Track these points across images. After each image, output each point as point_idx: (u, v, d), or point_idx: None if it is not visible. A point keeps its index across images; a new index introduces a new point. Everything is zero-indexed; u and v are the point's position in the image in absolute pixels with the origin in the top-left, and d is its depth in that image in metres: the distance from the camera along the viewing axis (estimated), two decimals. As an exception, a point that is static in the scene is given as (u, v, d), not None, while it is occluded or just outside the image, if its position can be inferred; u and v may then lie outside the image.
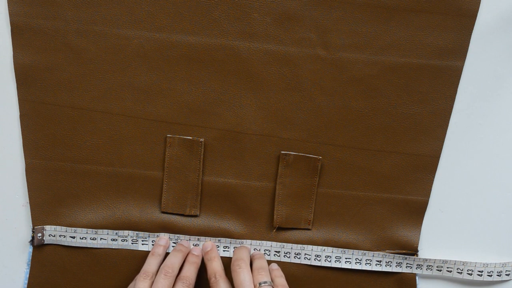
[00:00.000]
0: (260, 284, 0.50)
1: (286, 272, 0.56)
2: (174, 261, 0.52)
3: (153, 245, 0.55)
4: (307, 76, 0.53)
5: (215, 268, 0.52)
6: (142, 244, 0.55)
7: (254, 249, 0.56)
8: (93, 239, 0.55)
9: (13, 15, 0.51)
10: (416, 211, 0.56)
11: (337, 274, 0.56)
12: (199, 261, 0.54)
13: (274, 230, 0.56)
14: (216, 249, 0.55)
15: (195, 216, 0.55)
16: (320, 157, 0.54)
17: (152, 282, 0.50)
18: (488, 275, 0.56)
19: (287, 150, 0.54)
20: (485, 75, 0.54)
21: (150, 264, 0.52)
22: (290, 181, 0.55)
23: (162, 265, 0.52)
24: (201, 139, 0.54)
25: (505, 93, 0.54)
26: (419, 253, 0.57)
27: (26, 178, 0.54)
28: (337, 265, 0.56)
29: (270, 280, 0.51)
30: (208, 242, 0.55)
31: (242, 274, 0.50)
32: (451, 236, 0.57)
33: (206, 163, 0.55)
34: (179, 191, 0.55)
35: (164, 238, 0.55)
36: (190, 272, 0.52)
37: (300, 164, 0.54)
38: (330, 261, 0.56)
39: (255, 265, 0.53)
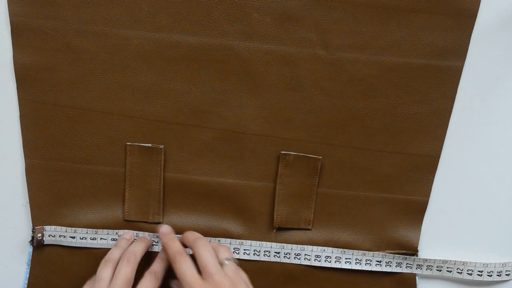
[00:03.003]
0: (226, 259, 0.50)
1: (287, 272, 0.56)
2: (136, 248, 0.52)
3: (153, 245, 0.55)
4: (307, 76, 0.53)
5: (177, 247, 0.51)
6: (142, 244, 0.55)
7: (254, 250, 0.56)
8: (93, 239, 0.55)
9: (13, 15, 0.51)
10: (416, 211, 0.56)
11: (337, 274, 0.56)
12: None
13: (274, 230, 0.56)
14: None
15: (158, 223, 0.55)
16: (320, 157, 0.54)
17: (113, 270, 0.50)
18: (488, 275, 0.56)
19: (287, 150, 0.54)
20: (485, 75, 0.54)
21: (113, 253, 0.52)
22: (290, 181, 0.55)
23: (124, 252, 0.51)
24: (161, 146, 0.54)
25: (505, 93, 0.54)
26: (419, 253, 0.57)
27: (26, 178, 0.54)
28: (337, 265, 0.56)
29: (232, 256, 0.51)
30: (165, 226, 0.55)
31: (206, 251, 0.49)
32: (451, 236, 0.57)
33: (206, 163, 0.55)
34: (142, 199, 0.55)
35: (129, 233, 0.55)
36: (160, 267, 0.52)
37: (300, 164, 0.54)
38: (330, 261, 0.56)
39: (211, 244, 0.52)
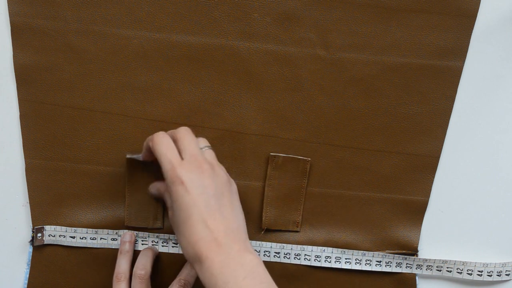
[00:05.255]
0: (206, 147, 0.49)
1: (287, 272, 0.56)
2: (145, 262, 0.52)
3: (153, 245, 0.55)
4: (307, 76, 0.53)
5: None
6: (142, 244, 0.55)
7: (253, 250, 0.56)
8: (93, 239, 0.55)
9: (13, 15, 0.51)
10: (416, 211, 0.56)
11: (337, 274, 0.56)
12: None
13: (262, 232, 0.56)
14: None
15: (160, 229, 0.55)
16: (309, 159, 0.54)
17: (127, 283, 0.51)
18: (488, 275, 0.56)
19: (286, 150, 0.54)
20: (485, 75, 0.54)
21: (120, 265, 0.53)
22: (279, 183, 0.55)
23: (135, 268, 0.52)
24: None
25: (505, 93, 0.54)
26: (419, 253, 0.57)
27: (26, 178, 0.54)
28: (337, 265, 0.56)
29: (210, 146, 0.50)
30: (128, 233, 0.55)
31: (188, 135, 0.48)
32: (451, 236, 0.57)
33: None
34: (142, 205, 0.55)
35: (128, 234, 0.55)
36: (190, 275, 0.52)
37: (289, 165, 0.54)
38: (330, 262, 0.56)
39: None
